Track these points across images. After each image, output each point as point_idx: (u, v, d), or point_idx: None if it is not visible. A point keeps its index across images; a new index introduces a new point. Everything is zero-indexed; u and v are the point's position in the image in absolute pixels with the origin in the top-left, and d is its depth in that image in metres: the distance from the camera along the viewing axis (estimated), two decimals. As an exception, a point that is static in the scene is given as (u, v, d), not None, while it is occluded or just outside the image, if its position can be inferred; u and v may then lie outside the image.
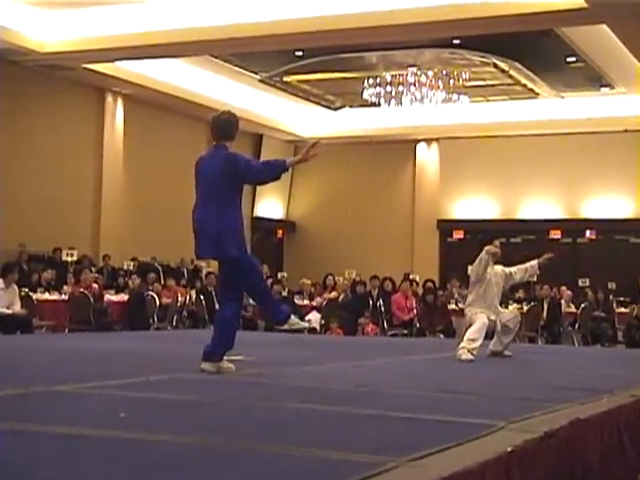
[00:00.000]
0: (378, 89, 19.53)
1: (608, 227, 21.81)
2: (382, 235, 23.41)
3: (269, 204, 24.56)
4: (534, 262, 8.83)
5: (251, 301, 15.99)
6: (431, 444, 3.33)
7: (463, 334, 8.46)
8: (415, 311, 14.48)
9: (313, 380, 5.98)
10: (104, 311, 13.27)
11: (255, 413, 4.30)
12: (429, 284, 15.60)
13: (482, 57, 18.01)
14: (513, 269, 8.79)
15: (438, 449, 3.27)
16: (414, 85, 19.24)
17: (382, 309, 14.58)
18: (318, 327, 14.84)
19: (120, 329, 13.22)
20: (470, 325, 8.41)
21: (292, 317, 6.35)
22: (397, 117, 21.90)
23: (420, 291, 15.96)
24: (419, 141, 23.83)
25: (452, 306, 15.57)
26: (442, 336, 14.11)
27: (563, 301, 16.18)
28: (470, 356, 7.95)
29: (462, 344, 8.09)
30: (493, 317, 8.40)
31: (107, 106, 19.35)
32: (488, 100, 21.65)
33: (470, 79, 19.16)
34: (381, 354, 8.87)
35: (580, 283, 18.43)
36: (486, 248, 8.49)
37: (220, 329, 6.17)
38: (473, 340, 8.09)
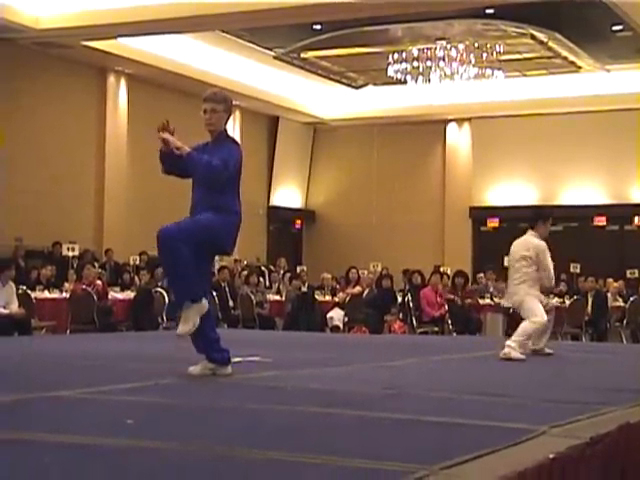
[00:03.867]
0: (404, 65, 19.48)
1: (659, 213, 21.71)
2: (410, 224, 23.38)
3: (286, 192, 24.58)
4: None
5: (269, 297, 16.12)
6: (465, 451, 3.31)
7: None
8: (446, 307, 14.47)
9: (336, 383, 5.98)
10: (108, 310, 13.33)
11: (272, 419, 4.31)
12: (459, 279, 15.58)
13: (518, 28, 17.92)
14: None
15: (473, 456, 3.26)
16: (443, 60, 19.19)
17: (410, 305, 14.56)
18: (341, 325, 14.86)
19: (126, 329, 13.27)
20: (518, 304, 8.25)
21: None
22: (425, 95, 21.83)
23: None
24: (449, 121, 23.78)
25: (487, 300, 15.55)
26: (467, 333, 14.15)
27: (609, 294, 16.12)
28: (519, 355, 7.82)
29: (510, 342, 7.97)
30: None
31: (109, 87, 19.42)
32: (525, 75, 21.55)
33: (505, 52, 19.08)
34: (410, 354, 8.86)
35: (628, 274, 18.35)
36: (544, 245, 8.36)
37: None
38: (525, 340, 7.95)
